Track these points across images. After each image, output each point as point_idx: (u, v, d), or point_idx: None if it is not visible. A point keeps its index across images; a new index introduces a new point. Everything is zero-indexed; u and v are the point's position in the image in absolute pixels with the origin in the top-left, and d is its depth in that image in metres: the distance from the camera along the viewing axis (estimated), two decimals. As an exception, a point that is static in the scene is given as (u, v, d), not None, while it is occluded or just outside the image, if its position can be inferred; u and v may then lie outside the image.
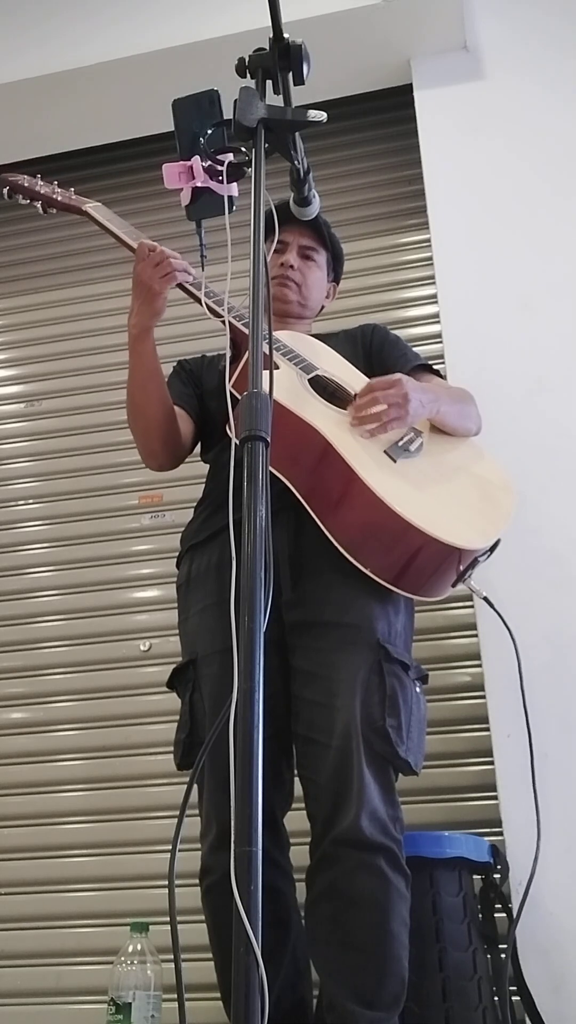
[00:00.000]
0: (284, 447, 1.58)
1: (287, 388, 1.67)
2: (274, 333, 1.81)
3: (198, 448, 1.95)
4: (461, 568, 1.66)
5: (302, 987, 1.65)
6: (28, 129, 3.08)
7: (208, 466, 1.91)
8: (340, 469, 1.59)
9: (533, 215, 2.61)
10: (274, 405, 1.56)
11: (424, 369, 1.93)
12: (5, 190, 1.91)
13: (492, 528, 1.67)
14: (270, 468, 1.54)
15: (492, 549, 1.68)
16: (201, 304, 1.67)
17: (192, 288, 1.71)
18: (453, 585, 1.70)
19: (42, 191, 1.90)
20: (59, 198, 1.90)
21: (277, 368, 1.72)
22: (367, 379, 1.79)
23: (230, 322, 1.69)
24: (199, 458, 1.94)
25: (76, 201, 1.90)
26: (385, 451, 1.67)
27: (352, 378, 1.80)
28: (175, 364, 2.00)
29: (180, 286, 1.71)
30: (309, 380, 1.73)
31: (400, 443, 1.69)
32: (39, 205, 1.90)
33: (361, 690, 1.55)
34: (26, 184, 1.91)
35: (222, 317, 1.63)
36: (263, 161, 1.30)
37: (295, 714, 1.62)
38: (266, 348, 1.18)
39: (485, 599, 1.87)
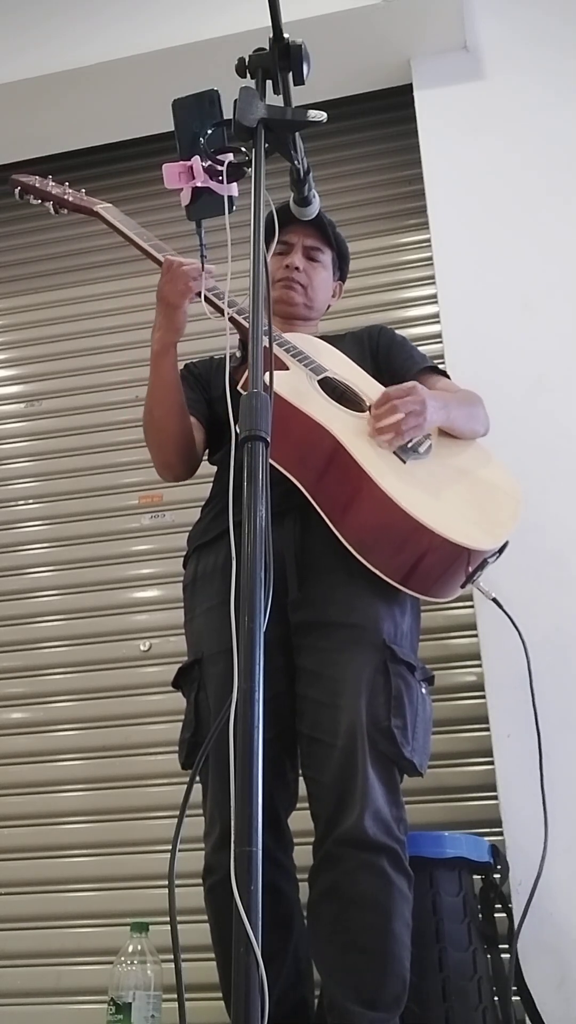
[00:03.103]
0: (294, 447, 1.59)
1: (298, 389, 1.67)
2: (283, 335, 1.81)
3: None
4: (470, 569, 1.66)
5: (303, 987, 1.65)
6: (28, 129, 3.08)
7: (215, 467, 1.91)
8: (351, 469, 1.59)
9: (533, 215, 2.62)
10: (285, 405, 1.59)
11: (431, 371, 1.93)
12: (16, 190, 1.91)
13: (501, 529, 1.67)
14: (280, 469, 1.58)
15: (501, 551, 1.68)
16: (204, 304, 1.66)
17: (214, 299, 1.69)
18: (462, 586, 1.70)
19: (53, 191, 1.91)
20: (70, 198, 1.90)
21: (287, 369, 1.72)
22: (375, 381, 1.80)
23: (240, 324, 1.69)
24: (204, 459, 1.94)
25: (87, 202, 1.90)
26: (395, 452, 1.67)
27: (360, 380, 1.80)
28: (182, 368, 2.00)
29: (207, 300, 1.68)
30: (319, 382, 1.73)
31: (409, 445, 1.69)
32: (50, 205, 1.90)
33: (366, 690, 1.55)
34: (37, 184, 1.92)
35: (231, 318, 1.63)
36: (263, 161, 1.30)
37: (300, 714, 1.62)
38: (267, 348, 1.17)
39: (494, 600, 1.87)
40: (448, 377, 1.97)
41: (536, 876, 1.78)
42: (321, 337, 1.93)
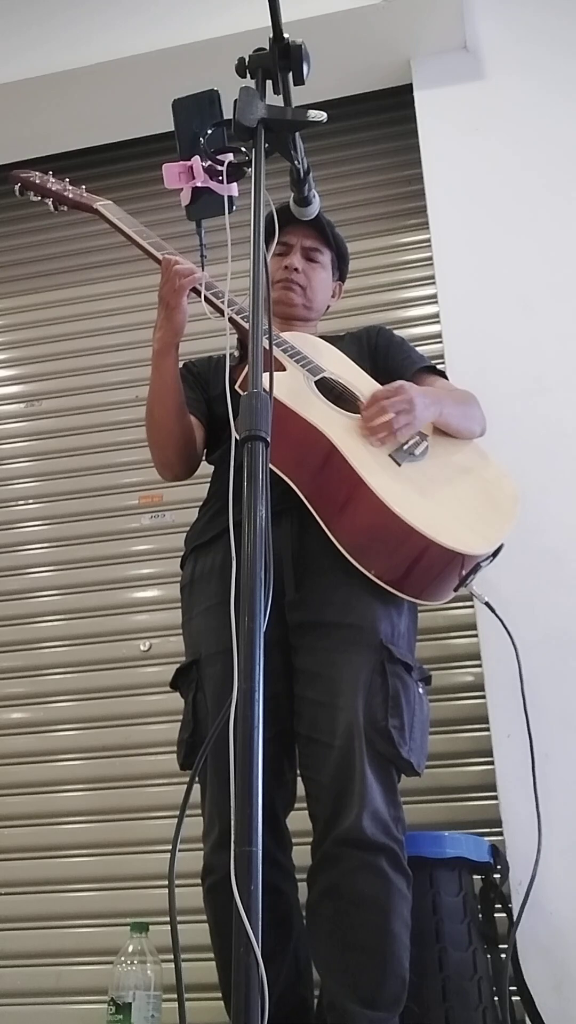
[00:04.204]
0: (289, 449, 1.59)
1: (294, 390, 1.67)
2: (280, 335, 1.81)
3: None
4: (464, 573, 1.65)
5: (303, 987, 1.65)
6: (28, 129, 3.08)
7: (213, 467, 1.90)
8: (345, 472, 1.59)
9: (533, 215, 2.62)
10: (280, 407, 1.59)
11: (429, 371, 1.93)
12: (16, 187, 1.90)
13: (495, 533, 1.67)
14: (275, 469, 1.57)
15: (496, 553, 1.68)
16: (204, 303, 1.67)
17: (213, 298, 1.69)
18: (456, 589, 1.69)
19: (53, 188, 1.90)
20: (70, 195, 1.90)
21: (283, 369, 1.72)
22: (373, 381, 1.79)
23: (239, 324, 1.69)
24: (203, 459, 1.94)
25: (87, 199, 1.90)
26: (390, 455, 1.66)
27: (358, 380, 1.80)
28: (181, 367, 1.99)
29: (206, 300, 1.68)
30: (316, 382, 1.73)
31: (405, 447, 1.69)
32: (50, 202, 1.90)
33: (364, 690, 1.55)
34: (37, 181, 1.91)
35: (229, 318, 1.62)
36: (263, 161, 1.30)
37: (297, 714, 1.62)
38: (267, 348, 1.17)
39: (487, 604, 1.87)
40: (446, 378, 1.97)
41: (531, 876, 1.78)
42: (320, 337, 1.93)
